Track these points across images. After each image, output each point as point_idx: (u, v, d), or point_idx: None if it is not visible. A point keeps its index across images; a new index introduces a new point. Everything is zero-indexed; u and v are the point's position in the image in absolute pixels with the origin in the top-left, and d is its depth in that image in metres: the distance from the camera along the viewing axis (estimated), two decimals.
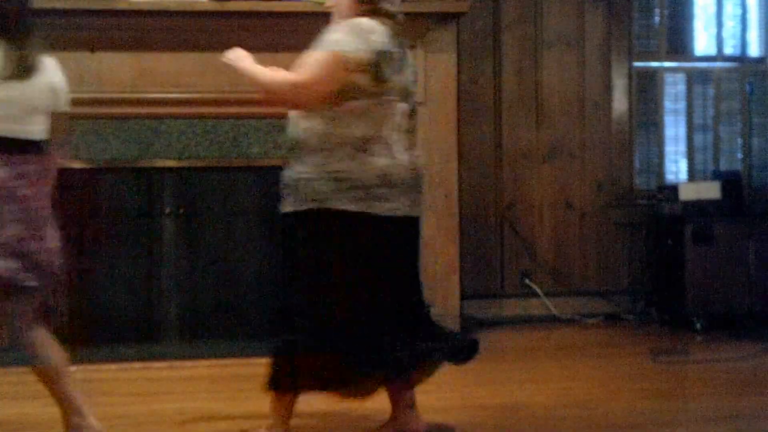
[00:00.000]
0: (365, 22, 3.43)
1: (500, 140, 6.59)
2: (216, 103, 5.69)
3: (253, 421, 3.83)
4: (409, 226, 3.52)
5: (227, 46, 5.62)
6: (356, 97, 3.37)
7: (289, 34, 5.79)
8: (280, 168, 5.82)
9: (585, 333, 6.18)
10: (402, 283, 3.52)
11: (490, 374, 4.96)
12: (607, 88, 6.72)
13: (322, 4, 5.69)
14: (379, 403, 4.25)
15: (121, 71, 5.55)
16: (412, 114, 3.56)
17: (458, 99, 6.04)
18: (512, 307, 6.59)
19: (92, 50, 5.51)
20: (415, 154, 3.56)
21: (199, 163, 5.70)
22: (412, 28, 5.88)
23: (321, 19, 5.74)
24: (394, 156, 3.43)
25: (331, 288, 3.38)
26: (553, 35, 6.68)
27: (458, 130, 6.03)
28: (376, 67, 3.36)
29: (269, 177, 5.90)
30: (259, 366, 4.97)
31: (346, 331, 3.36)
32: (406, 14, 5.76)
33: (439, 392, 4.55)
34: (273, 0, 5.68)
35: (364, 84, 3.36)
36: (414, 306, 3.58)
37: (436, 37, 5.95)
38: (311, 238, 3.41)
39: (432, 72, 5.94)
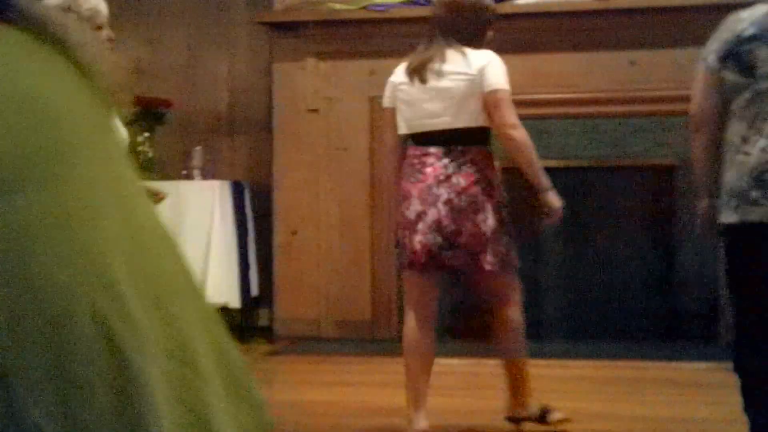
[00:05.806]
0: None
1: None
2: (600, 102, 5.61)
3: (642, 423, 3.97)
4: None
5: (611, 44, 5.60)
6: None
7: (679, 28, 5.46)
8: (665, 168, 5.42)
9: None
10: None
11: None
12: None
13: None
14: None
15: (513, 73, 5.80)
16: None
17: None
18: None
19: None
20: None
21: (581, 163, 5.67)
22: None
23: (707, 11, 5.20)
24: None
25: None
26: None
27: None
28: None
29: (653, 177, 5.62)
30: (639, 369, 4.94)
31: None
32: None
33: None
34: None
35: None
36: None
37: None
38: None
39: None
